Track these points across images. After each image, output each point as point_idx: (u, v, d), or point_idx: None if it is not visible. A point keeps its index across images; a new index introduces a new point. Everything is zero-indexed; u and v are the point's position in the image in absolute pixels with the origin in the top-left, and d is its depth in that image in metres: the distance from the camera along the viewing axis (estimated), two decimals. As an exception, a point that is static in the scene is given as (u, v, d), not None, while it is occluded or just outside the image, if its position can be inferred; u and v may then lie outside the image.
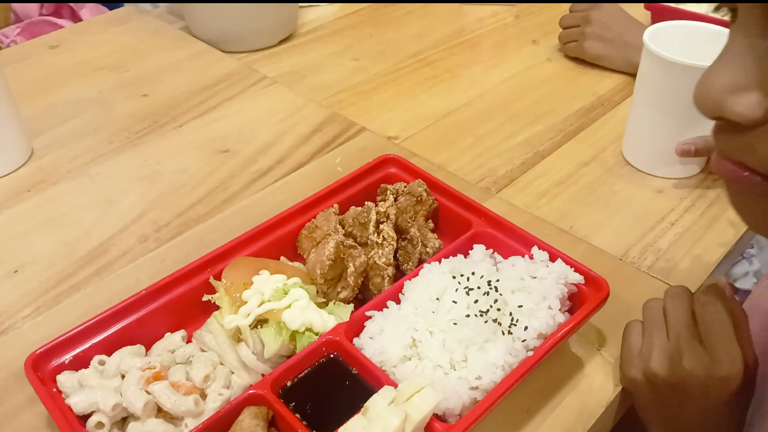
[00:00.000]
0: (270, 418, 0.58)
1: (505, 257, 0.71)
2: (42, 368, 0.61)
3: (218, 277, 0.69)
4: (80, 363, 0.63)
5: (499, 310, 0.64)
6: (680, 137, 0.87)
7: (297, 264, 0.75)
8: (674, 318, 0.63)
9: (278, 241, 0.75)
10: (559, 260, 0.68)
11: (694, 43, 0.88)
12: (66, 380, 0.60)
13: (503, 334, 0.62)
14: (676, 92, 0.85)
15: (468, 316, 0.62)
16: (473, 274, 0.67)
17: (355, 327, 0.65)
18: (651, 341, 0.63)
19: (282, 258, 0.75)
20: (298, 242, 0.76)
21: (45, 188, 0.92)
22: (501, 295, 0.64)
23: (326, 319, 0.65)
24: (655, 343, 0.63)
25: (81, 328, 0.64)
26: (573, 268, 0.67)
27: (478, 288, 0.65)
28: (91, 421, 0.57)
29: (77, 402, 0.57)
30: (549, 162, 0.96)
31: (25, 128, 0.97)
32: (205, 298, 0.68)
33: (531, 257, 0.70)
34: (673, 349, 0.61)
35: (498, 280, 0.66)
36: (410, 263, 0.73)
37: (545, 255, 0.69)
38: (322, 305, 0.68)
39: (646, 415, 0.67)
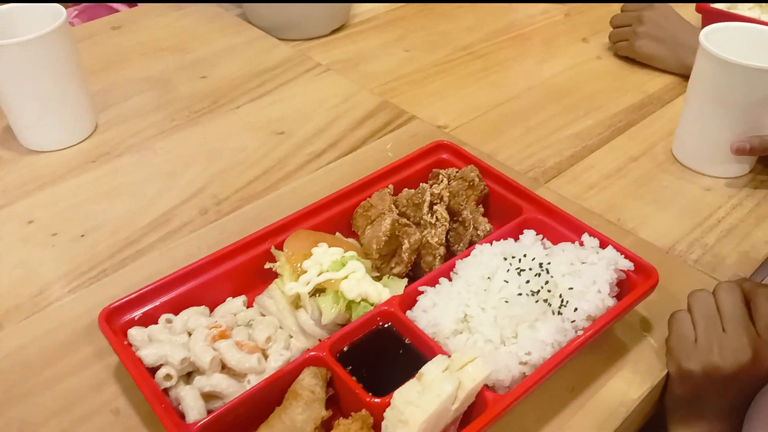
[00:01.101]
0: (328, 378, 0.60)
1: (555, 243, 0.73)
2: (114, 322, 0.65)
3: (279, 247, 0.73)
4: (149, 320, 0.67)
5: (549, 291, 0.66)
6: (734, 136, 0.88)
7: (351, 240, 0.77)
8: (731, 311, 0.65)
9: (334, 217, 0.78)
10: (609, 247, 0.69)
11: (748, 44, 0.89)
12: (137, 334, 0.64)
13: (553, 314, 0.64)
14: (732, 92, 0.85)
15: (520, 294, 0.64)
16: (525, 256, 0.69)
17: (409, 300, 0.68)
18: (708, 334, 0.65)
19: (337, 234, 0.78)
20: (353, 220, 0.79)
21: (109, 160, 0.97)
22: (552, 277, 0.66)
23: (381, 291, 0.68)
24: (713, 336, 0.64)
25: (150, 287, 0.68)
26: (623, 255, 0.69)
27: (530, 269, 0.67)
28: (160, 373, 0.61)
29: (147, 354, 0.61)
30: (598, 156, 0.97)
31: (92, 103, 1.02)
32: (267, 265, 0.72)
33: (581, 244, 0.72)
34: (733, 342, 0.63)
35: (549, 263, 0.68)
36: (461, 244, 0.75)
37: (596, 242, 0.71)
38: (376, 279, 0.71)
39: (687, 406, 0.68)
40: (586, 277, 0.66)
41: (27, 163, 0.96)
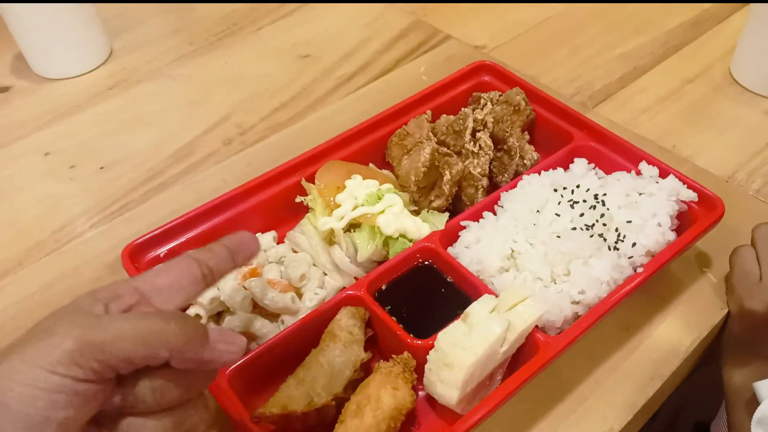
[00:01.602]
0: (367, 319, 0.57)
1: (608, 173, 0.67)
2: (138, 260, 0.62)
3: (310, 180, 0.68)
4: (174, 257, 0.63)
5: (604, 225, 0.60)
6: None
7: (386, 172, 0.72)
8: None
9: (367, 147, 0.73)
10: (671, 176, 0.64)
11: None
12: (163, 272, 0.60)
13: (609, 249, 0.59)
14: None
15: (573, 229, 0.59)
16: (578, 187, 0.63)
17: (450, 236, 0.63)
18: None
19: (371, 165, 0.73)
20: (387, 149, 0.73)
21: (127, 87, 0.92)
22: (607, 209, 0.61)
23: (420, 227, 0.63)
24: None
25: (175, 222, 0.64)
26: (686, 185, 0.63)
27: (583, 201, 0.62)
28: (189, 313, 0.58)
29: (175, 294, 0.57)
30: (650, 77, 0.90)
31: (105, 27, 0.96)
32: (299, 199, 0.67)
33: (638, 173, 0.66)
34: None
35: (605, 194, 0.62)
36: (505, 175, 0.70)
37: (655, 171, 0.65)
38: (414, 214, 0.66)
39: (745, 347, 0.64)
40: (644, 210, 0.61)
41: (42, 93, 0.91)
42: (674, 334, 0.62)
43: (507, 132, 0.70)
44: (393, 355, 0.54)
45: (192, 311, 0.58)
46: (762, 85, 0.86)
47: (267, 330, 0.57)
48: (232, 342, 0.41)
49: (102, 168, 0.80)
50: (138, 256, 0.62)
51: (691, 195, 0.62)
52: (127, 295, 0.40)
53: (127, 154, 0.81)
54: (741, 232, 0.68)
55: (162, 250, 0.63)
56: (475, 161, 0.68)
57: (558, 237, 0.59)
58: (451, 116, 0.73)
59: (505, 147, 0.70)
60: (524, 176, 0.66)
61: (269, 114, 0.86)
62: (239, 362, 0.53)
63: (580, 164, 0.67)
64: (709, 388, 0.71)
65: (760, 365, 0.63)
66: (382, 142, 0.74)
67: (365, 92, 0.89)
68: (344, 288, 0.60)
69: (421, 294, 0.60)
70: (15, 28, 0.89)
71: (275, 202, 0.68)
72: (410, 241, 0.63)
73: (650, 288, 0.64)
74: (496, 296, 0.56)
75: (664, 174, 0.65)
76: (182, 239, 0.64)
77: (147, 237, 0.62)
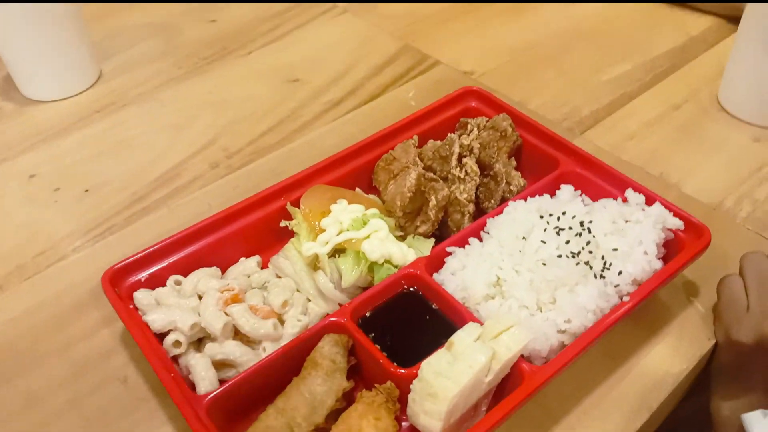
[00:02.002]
0: (350, 346, 0.56)
1: (595, 200, 0.67)
2: (119, 284, 0.61)
3: (295, 204, 0.67)
4: (156, 282, 0.62)
5: (591, 252, 0.60)
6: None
7: (372, 196, 0.72)
8: None
9: (353, 171, 0.73)
10: (657, 203, 0.63)
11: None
12: (143, 297, 0.59)
13: (595, 277, 0.59)
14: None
15: (559, 256, 0.59)
16: (564, 214, 0.63)
17: (436, 262, 0.62)
18: (762, 301, 0.59)
19: (357, 189, 0.72)
20: (374, 174, 0.73)
21: (115, 111, 0.91)
22: (593, 236, 0.61)
23: (406, 252, 0.63)
24: (767, 303, 0.58)
25: (157, 246, 0.63)
26: (672, 213, 0.63)
27: (570, 228, 0.61)
28: (169, 339, 0.57)
29: (155, 319, 0.57)
30: (637, 103, 0.90)
31: (94, 50, 0.96)
32: (283, 223, 0.66)
33: (624, 200, 0.66)
34: None
35: (591, 221, 0.62)
36: (492, 201, 0.69)
37: (641, 198, 0.65)
38: (399, 239, 0.66)
39: (734, 378, 0.63)
40: (631, 237, 0.60)
41: (29, 115, 0.91)
42: (662, 364, 0.61)
43: (493, 158, 0.69)
44: (376, 385, 0.53)
45: (172, 337, 0.57)
46: (749, 111, 0.86)
47: (248, 357, 0.56)
48: None
49: (87, 191, 0.79)
50: (119, 281, 0.61)
51: (677, 223, 0.62)
52: None
53: (113, 178, 0.81)
54: (729, 260, 0.68)
55: (143, 275, 0.62)
56: (462, 187, 0.67)
57: (544, 264, 0.59)
58: (438, 141, 0.73)
59: (492, 173, 0.69)
60: (510, 202, 0.66)
61: (257, 138, 0.86)
62: (218, 391, 0.52)
63: (566, 191, 0.67)
64: (697, 418, 0.71)
65: (749, 396, 0.62)
66: (368, 166, 0.74)
67: (353, 117, 0.89)
68: (328, 315, 0.59)
69: (405, 321, 0.59)
70: (3, 50, 0.89)
71: (260, 226, 0.67)
72: (395, 267, 0.62)
73: (637, 316, 0.63)
74: (482, 324, 0.55)
75: (650, 201, 0.64)
76: (164, 263, 0.63)
77: (127, 261, 0.61)
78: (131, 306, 0.60)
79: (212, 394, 0.51)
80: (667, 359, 0.61)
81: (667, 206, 0.63)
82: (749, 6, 0.82)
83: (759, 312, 0.59)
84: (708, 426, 0.65)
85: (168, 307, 0.58)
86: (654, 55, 0.98)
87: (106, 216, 0.76)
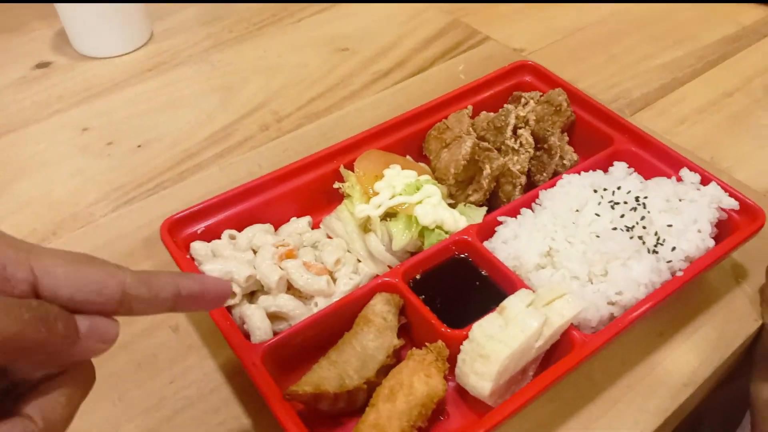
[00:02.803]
0: (401, 306, 0.56)
1: (647, 178, 0.67)
2: (176, 235, 0.62)
3: (348, 167, 0.68)
4: (211, 235, 0.63)
5: (644, 228, 0.60)
6: None
7: (423, 165, 0.72)
8: None
9: (404, 139, 0.73)
10: (713, 183, 0.63)
11: None
12: (200, 248, 0.60)
13: (648, 252, 0.59)
14: None
15: (614, 229, 0.59)
16: (618, 188, 0.63)
17: (487, 230, 0.63)
18: None
19: (407, 157, 0.73)
20: (425, 142, 0.73)
21: (166, 70, 0.92)
22: (648, 212, 0.61)
23: (458, 219, 0.63)
24: None
25: (213, 201, 0.64)
26: (727, 193, 0.62)
27: (625, 203, 0.61)
28: (224, 290, 0.58)
29: (212, 269, 0.58)
30: (689, 88, 0.89)
31: (146, 11, 0.97)
32: (337, 185, 0.67)
33: (679, 179, 0.65)
34: None
35: (646, 197, 0.62)
36: (544, 174, 0.69)
37: (697, 177, 0.64)
38: (450, 206, 0.66)
39: None
40: (685, 215, 0.60)
41: (82, 70, 0.92)
42: (708, 343, 0.61)
43: (548, 131, 0.69)
44: (426, 343, 0.54)
45: (227, 288, 0.58)
46: (802, 102, 0.85)
47: (300, 311, 0.57)
48: (104, 337, 0.34)
49: (139, 146, 0.81)
50: (176, 231, 0.62)
51: (732, 203, 0.62)
52: (16, 271, 0.32)
53: (164, 134, 0.82)
54: (778, 247, 0.67)
55: (200, 227, 0.63)
56: (515, 158, 0.68)
57: (597, 237, 0.59)
58: (491, 113, 0.73)
59: (545, 146, 0.69)
60: (564, 175, 0.66)
61: (306, 103, 0.87)
62: (273, 340, 0.53)
63: (619, 168, 0.67)
64: (730, 401, 0.70)
65: None
66: (419, 135, 0.74)
67: (401, 88, 0.89)
68: (378, 275, 0.60)
69: (455, 286, 0.60)
70: (60, 6, 0.90)
71: (312, 187, 0.68)
72: (446, 233, 0.62)
73: (685, 296, 0.63)
74: (533, 291, 0.55)
75: (705, 181, 0.64)
76: (219, 217, 0.64)
77: (185, 213, 0.62)
78: (188, 256, 0.61)
79: (267, 343, 0.52)
80: (713, 338, 0.61)
81: (723, 186, 0.63)
82: None
83: None
84: (740, 408, 0.65)
85: (224, 259, 0.59)
86: (706, 43, 0.97)
87: (158, 171, 0.77)
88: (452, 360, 0.53)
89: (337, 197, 0.68)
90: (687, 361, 0.59)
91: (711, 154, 0.79)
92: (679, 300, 0.63)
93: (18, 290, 0.31)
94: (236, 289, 0.58)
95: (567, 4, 1.05)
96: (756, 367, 0.63)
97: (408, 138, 0.74)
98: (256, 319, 0.55)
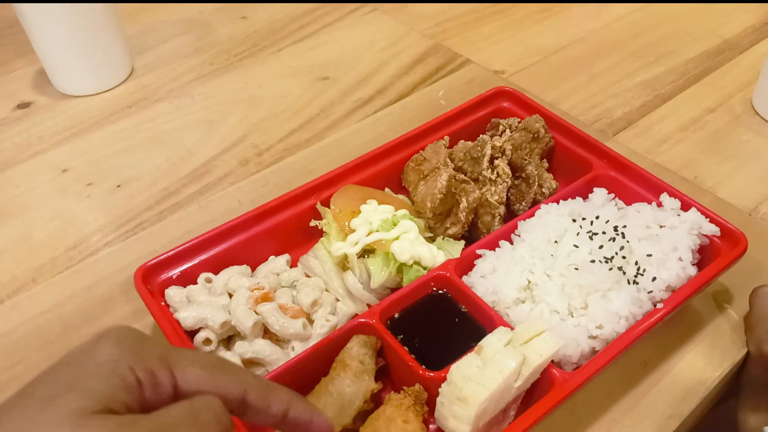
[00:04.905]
0: (378, 348, 0.56)
1: (628, 204, 0.66)
2: (151, 281, 0.61)
3: (325, 203, 0.67)
4: (187, 279, 0.63)
5: (624, 258, 0.59)
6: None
7: (402, 197, 0.72)
8: None
9: (383, 171, 0.73)
10: (692, 209, 0.62)
11: None
12: (175, 294, 0.60)
13: (628, 283, 0.58)
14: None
15: (593, 261, 0.58)
16: (597, 218, 0.62)
17: (466, 264, 0.62)
18: None
19: (386, 189, 0.72)
20: (403, 174, 0.73)
21: (146, 106, 0.92)
22: (627, 241, 0.60)
23: (435, 254, 0.62)
24: None
25: (189, 244, 0.63)
26: (708, 219, 0.62)
27: (603, 233, 0.61)
28: (199, 337, 0.57)
29: (186, 317, 0.57)
30: (671, 106, 0.88)
31: (127, 46, 0.97)
32: (313, 223, 0.66)
33: (659, 205, 0.65)
34: None
35: (624, 226, 0.61)
36: (523, 203, 0.69)
37: (677, 203, 0.64)
38: (429, 240, 0.65)
39: (764, 391, 0.62)
40: (665, 243, 0.60)
41: (63, 109, 0.92)
42: (694, 372, 0.60)
43: (525, 160, 0.69)
44: (404, 387, 0.53)
45: (202, 335, 0.57)
46: (785, 116, 0.85)
47: (277, 356, 0.56)
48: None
49: (119, 186, 0.80)
50: (151, 278, 0.61)
51: (713, 229, 0.61)
52: (164, 378, 0.35)
53: (144, 173, 0.82)
54: (764, 267, 0.67)
55: (175, 272, 0.62)
56: (493, 189, 0.67)
57: (576, 269, 0.58)
58: (469, 142, 0.72)
59: (524, 175, 0.69)
60: (542, 205, 0.65)
61: (287, 135, 0.86)
62: (248, 389, 0.52)
63: (599, 194, 0.66)
64: (722, 427, 0.69)
65: None
66: (398, 166, 0.73)
67: (382, 115, 0.89)
68: (356, 315, 0.59)
69: (434, 323, 0.59)
70: (38, 45, 0.90)
71: (290, 225, 0.67)
72: (425, 268, 0.62)
73: (670, 323, 0.62)
74: (512, 329, 0.55)
75: (686, 207, 0.63)
76: (195, 261, 0.63)
77: (160, 258, 0.62)
78: (163, 303, 0.60)
79: (242, 392, 0.51)
80: (699, 367, 0.60)
81: (703, 212, 0.62)
82: None
83: None
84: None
85: (199, 305, 0.58)
86: (687, 58, 0.97)
87: (137, 211, 0.77)
88: (433, 402, 0.52)
89: (317, 233, 0.68)
90: (672, 392, 0.58)
91: (695, 173, 0.79)
92: (663, 328, 0.62)
93: (166, 395, 0.35)
94: (211, 336, 0.57)
95: (547, 24, 1.05)
96: (742, 395, 0.62)
97: (387, 170, 0.73)
98: (230, 368, 0.54)
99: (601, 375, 0.55)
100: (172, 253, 0.62)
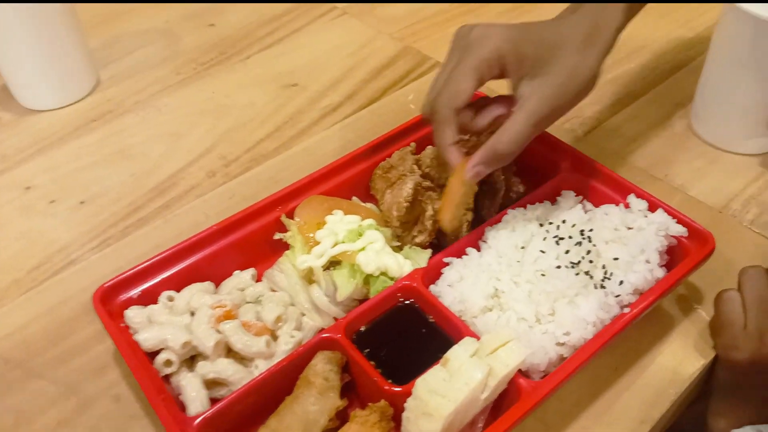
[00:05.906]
0: (344, 363, 0.55)
1: (596, 205, 0.66)
2: (110, 302, 0.60)
3: (290, 215, 0.66)
4: (149, 298, 0.61)
5: (591, 262, 0.58)
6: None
7: (370, 205, 0.71)
8: None
9: (350, 180, 0.71)
10: (659, 210, 0.62)
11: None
12: (134, 315, 0.58)
13: (595, 288, 0.57)
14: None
15: (558, 267, 0.57)
16: (563, 222, 0.61)
17: (433, 274, 0.61)
18: (759, 320, 0.57)
19: (354, 198, 0.71)
20: (371, 182, 0.72)
21: (112, 119, 0.90)
22: (594, 245, 0.59)
23: (402, 264, 0.61)
24: (765, 322, 0.57)
25: (150, 262, 0.62)
26: (675, 219, 0.61)
27: (569, 237, 0.60)
28: (160, 359, 0.56)
29: (146, 339, 0.56)
30: (642, 103, 0.88)
31: (92, 58, 0.95)
32: (277, 236, 0.65)
33: (626, 206, 0.64)
34: None
35: (591, 230, 0.60)
36: (491, 209, 0.68)
37: (644, 204, 0.63)
38: (396, 249, 0.64)
39: (731, 393, 0.61)
40: (632, 246, 0.59)
41: (27, 125, 0.90)
42: (666, 374, 0.59)
43: (492, 164, 0.68)
44: (370, 403, 0.52)
45: (163, 356, 0.56)
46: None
47: (240, 376, 0.55)
48: None
49: (82, 203, 0.79)
50: (110, 298, 0.60)
51: (680, 230, 0.61)
52: None
53: (109, 188, 0.80)
54: (735, 265, 0.66)
55: (135, 291, 0.61)
56: (459, 195, 0.66)
57: (543, 275, 0.57)
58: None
59: (490, 180, 0.68)
60: (509, 210, 0.64)
61: (254, 145, 0.85)
62: (208, 413, 0.51)
63: (567, 197, 0.66)
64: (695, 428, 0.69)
65: (747, 412, 0.60)
66: (366, 174, 0.72)
67: (351, 121, 0.88)
68: (321, 330, 0.58)
69: (401, 335, 0.58)
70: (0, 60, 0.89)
71: (255, 238, 0.66)
72: (392, 279, 0.61)
73: (640, 325, 0.61)
74: (478, 338, 0.54)
75: (653, 207, 0.63)
76: (157, 279, 0.62)
77: (119, 278, 0.60)
78: (123, 324, 0.59)
79: (203, 416, 0.50)
80: (670, 370, 0.60)
81: (671, 213, 0.62)
82: (720, 25, 0.78)
83: (756, 332, 0.58)
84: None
85: (159, 326, 0.57)
86: (659, 53, 0.96)
87: (102, 228, 0.75)
88: (399, 417, 0.52)
89: (284, 246, 0.66)
90: (643, 396, 0.58)
91: (665, 171, 0.78)
92: (633, 329, 0.61)
93: None
94: (172, 357, 0.56)
95: (515, 22, 1.04)
96: (712, 399, 0.61)
97: (355, 178, 0.72)
98: (190, 390, 0.53)
99: (571, 381, 0.55)
100: (131, 272, 0.61)
